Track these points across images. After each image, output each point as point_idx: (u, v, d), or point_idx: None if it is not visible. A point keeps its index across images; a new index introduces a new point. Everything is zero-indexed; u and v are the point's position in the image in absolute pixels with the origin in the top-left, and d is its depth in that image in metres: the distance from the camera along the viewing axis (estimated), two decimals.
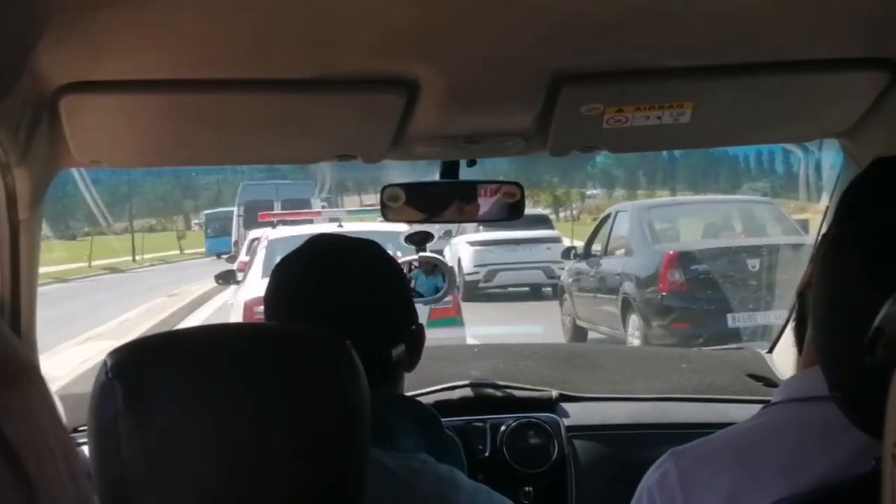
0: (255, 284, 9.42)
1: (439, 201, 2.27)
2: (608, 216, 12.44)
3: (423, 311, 2.13)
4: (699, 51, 1.70)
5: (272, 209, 17.74)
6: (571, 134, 2.03)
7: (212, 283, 14.51)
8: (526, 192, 2.27)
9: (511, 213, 2.29)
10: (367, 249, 1.58)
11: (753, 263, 10.23)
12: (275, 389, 1.07)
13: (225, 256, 23.40)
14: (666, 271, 10.57)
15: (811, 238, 11.08)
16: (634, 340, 10.75)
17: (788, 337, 2.55)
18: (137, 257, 41.07)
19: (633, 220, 11.55)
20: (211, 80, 1.71)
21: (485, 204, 2.24)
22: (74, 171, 2.58)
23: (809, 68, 1.78)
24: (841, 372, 1.18)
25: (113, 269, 34.60)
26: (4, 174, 1.75)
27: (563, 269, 13.98)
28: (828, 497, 1.16)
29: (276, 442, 1.05)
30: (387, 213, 2.27)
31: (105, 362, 1.06)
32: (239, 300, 10.06)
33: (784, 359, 2.66)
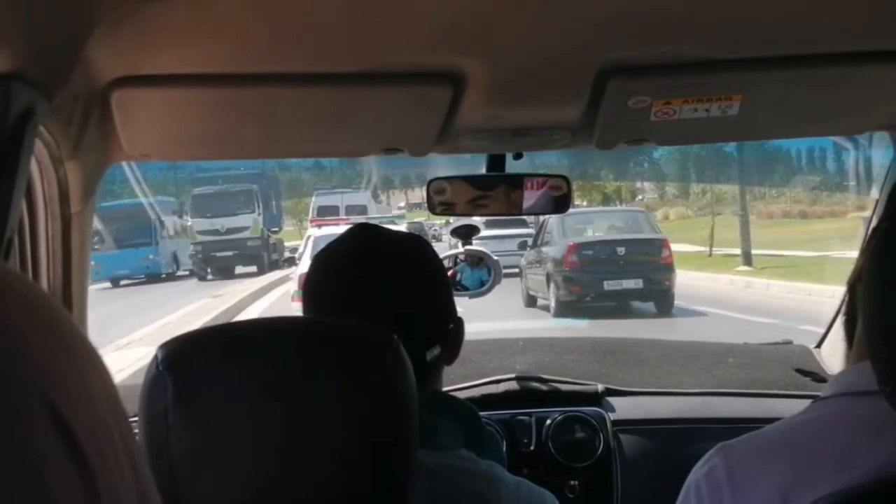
0: (305, 264, 14.26)
1: (485, 194, 2.26)
2: (546, 219, 17.24)
3: None
4: (748, 43, 1.69)
5: (338, 214, 26.45)
6: (618, 127, 2.03)
7: (257, 285, 17.22)
8: (574, 188, 2.27)
9: (558, 207, 2.29)
10: (406, 244, 1.55)
11: (621, 250, 16.01)
12: (324, 384, 1.07)
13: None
14: (568, 255, 16.09)
15: (662, 235, 17.11)
16: (552, 300, 16.16)
17: (837, 331, 2.53)
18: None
19: (556, 222, 16.67)
20: (259, 73, 1.72)
21: (531, 197, 2.24)
22: (125, 166, 2.61)
23: (859, 60, 1.76)
24: (892, 366, 1.17)
25: None
26: (57, 168, 1.78)
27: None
28: (878, 492, 1.15)
29: (324, 436, 1.05)
30: (433, 206, 2.27)
31: (156, 355, 1.07)
32: (295, 275, 15.23)
33: (832, 353, 2.64)
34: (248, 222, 31.81)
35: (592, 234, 17.90)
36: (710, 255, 26.33)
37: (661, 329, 12.71)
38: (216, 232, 31.07)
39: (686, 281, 17.59)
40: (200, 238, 31.17)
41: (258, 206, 32.38)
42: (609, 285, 15.67)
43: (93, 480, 0.44)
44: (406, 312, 1.43)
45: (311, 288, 1.48)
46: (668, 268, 15.62)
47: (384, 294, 1.44)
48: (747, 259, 22.88)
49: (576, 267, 15.93)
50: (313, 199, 30.73)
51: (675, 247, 16.77)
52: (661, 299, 15.53)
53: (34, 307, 0.48)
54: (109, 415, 0.48)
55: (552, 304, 16.08)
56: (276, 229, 36.15)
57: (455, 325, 1.52)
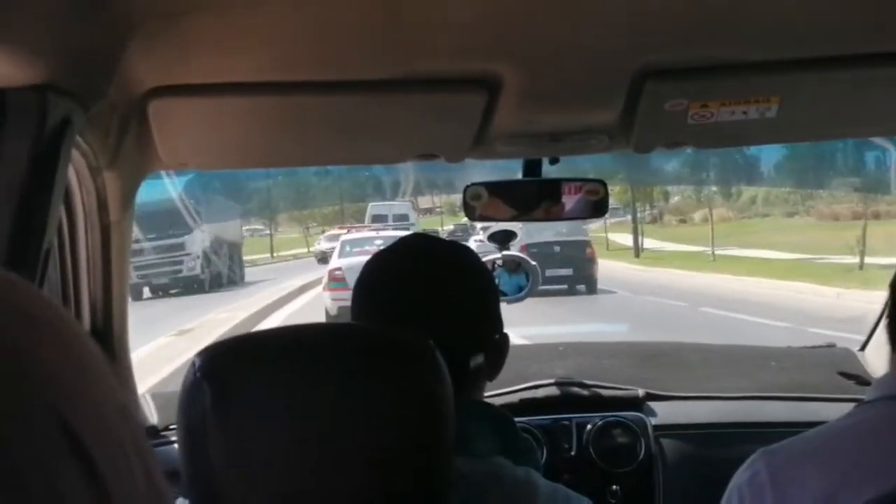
0: (334, 262, 18.19)
1: (522, 200, 2.26)
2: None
3: None
4: (785, 44, 1.67)
5: (387, 220, 29.99)
6: (656, 130, 2.01)
7: (267, 300, 18.81)
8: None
9: (595, 211, 2.27)
10: (457, 254, 1.55)
11: (556, 248, 20.60)
12: (360, 391, 1.07)
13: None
14: (521, 252, 17.70)
15: (587, 237, 21.96)
16: None
17: (881, 334, 2.50)
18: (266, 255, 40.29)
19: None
20: (294, 82, 1.73)
21: (568, 202, 2.23)
22: (163, 174, 2.63)
23: None
24: None
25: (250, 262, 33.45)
26: (95, 177, 1.79)
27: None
28: None
29: (361, 443, 1.05)
30: (470, 211, 2.26)
31: (194, 362, 1.07)
32: (325, 273, 18.14)
33: (876, 356, 2.60)
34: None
35: (542, 237, 21.46)
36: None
37: (588, 302, 19.39)
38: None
39: None
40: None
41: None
42: (549, 272, 18.32)
43: (105, 489, 0.44)
44: (452, 319, 1.43)
45: (362, 291, 1.49)
46: (592, 260, 21.56)
47: (432, 301, 1.44)
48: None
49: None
50: (369, 207, 33.88)
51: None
52: (588, 283, 21.19)
53: (40, 318, 0.47)
54: (119, 422, 0.48)
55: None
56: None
57: (500, 337, 1.51)
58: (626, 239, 38.25)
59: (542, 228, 20.55)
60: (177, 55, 1.58)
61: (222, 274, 27.47)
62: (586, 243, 22.13)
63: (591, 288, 21.30)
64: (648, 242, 34.80)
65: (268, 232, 50.00)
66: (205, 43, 1.54)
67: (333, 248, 35.06)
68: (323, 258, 34.50)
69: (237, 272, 29.26)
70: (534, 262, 2.78)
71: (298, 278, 25.32)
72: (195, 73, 1.68)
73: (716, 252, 28.87)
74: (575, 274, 21.02)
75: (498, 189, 2.25)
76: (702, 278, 22.80)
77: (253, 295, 21.52)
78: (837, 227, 31.33)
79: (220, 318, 16.73)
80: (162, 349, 12.26)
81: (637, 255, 32.26)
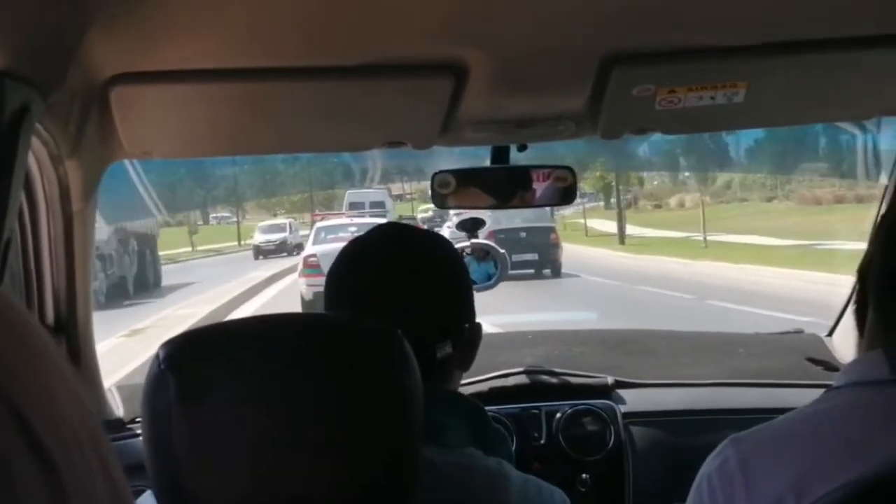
0: (308, 249, 18.71)
1: (490, 187, 2.25)
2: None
3: None
4: (753, 28, 1.67)
5: (364, 207, 30.31)
6: (623, 116, 2.01)
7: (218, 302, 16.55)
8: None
9: (564, 198, 2.27)
10: (430, 242, 1.54)
11: (522, 234, 21.04)
12: (326, 380, 1.06)
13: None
14: (489, 238, 18.82)
15: (552, 224, 23.47)
16: None
17: (848, 319, 2.51)
18: (186, 249, 38.38)
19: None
20: (260, 68, 1.71)
21: (537, 189, 2.23)
22: (127, 163, 2.60)
23: (865, 44, 1.73)
24: None
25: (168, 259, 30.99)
26: (56, 166, 1.77)
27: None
28: (892, 481, 1.14)
29: (328, 432, 1.04)
30: (438, 199, 2.25)
31: (158, 354, 1.06)
32: (299, 259, 18.68)
33: (844, 342, 2.62)
34: None
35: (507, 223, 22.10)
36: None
37: (553, 285, 20.64)
38: None
39: None
40: None
41: None
42: (515, 257, 18.62)
43: (59, 479, 0.43)
44: (423, 307, 1.43)
45: (335, 279, 1.48)
46: (556, 245, 22.49)
47: (403, 289, 1.44)
48: None
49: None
50: (346, 195, 34.23)
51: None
52: (552, 267, 22.18)
53: None
54: (74, 414, 0.47)
55: None
56: None
57: (472, 326, 1.50)
58: (603, 225, 38.09)
59: (509, 215, 21.15)
60: (139, 41, 1.56)
61: (127, 280, 22.40)
62: (551, 229, 23.10)
63: (556, 272, 22.43)
64: (627, 229, 34.36)
65: (234, 220, 49.67)
66: (168, 28, 1.52)
67: (272, 241, 34.72)
68: (259, 252, 34.01)
69: (151, 276, 24.39)
70: (502, 250, 2.77)
71: (237, 281, 21.46)
72: (158, 59, 1.66)
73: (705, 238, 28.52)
74: (540, 259, 21.97)
75: (466, 176, 2.24)
76: (699, 266, 22.29)
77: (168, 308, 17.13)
78: (821, 210, 31.23)
79: (179, 314, 15.09)
80: (112, 352, 10.58)
81: (622, 241, 32.03)
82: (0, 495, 0.41)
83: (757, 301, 14.40)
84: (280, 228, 37.53)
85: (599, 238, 34.84)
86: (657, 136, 2.22)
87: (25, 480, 0.42)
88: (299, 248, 30.52)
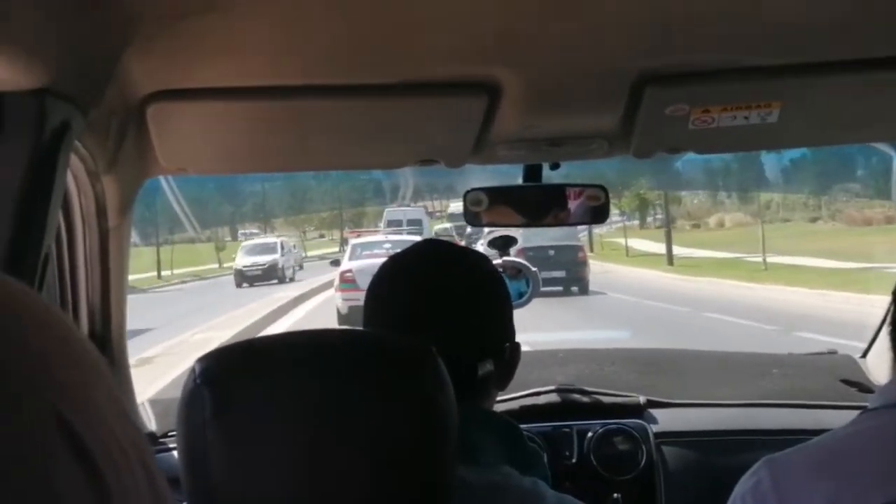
0: (345, 265, 18.93)
1: (522, 205, 2.25)
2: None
3: None
4: (787, 49, 1.66)
5: (402, 225, 31.00)
6: (656, 135, 2.01)
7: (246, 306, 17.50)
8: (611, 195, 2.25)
9: (596, 217, 2.27)
10: (470, 260, 1.54)
11: (551, 252, 21.63)
12: (361, 397, 1.06)
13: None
14: (518, 256, 20.11)
15: (580, 243, 24.61)
16: None
17: (883, 340, 2.49)
18: (165, 273, 34.38)
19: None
20: (296, 86, 1.72)
21: (569, 207, 2.23)
22: (161, 179, 2.62)
23: None
24: None
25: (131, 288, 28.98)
26: (94, 183, 1.79)
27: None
28: None
29: (362, 451, 1.04)
30: (471, 217, 2.25)
31: (194, 369, 1.07)
32: (336, 274, 19.12)
33: (878, 363, 2.59)
34: None
35: (538, 241, 22.76)
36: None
37: (581, 301, 21.17)
38: None
39: None
40: None
41: None
42: (544, 275, 19.85)
43: (106, 489, 0.44)
44: (462, 325, 1.42)
45: (373, 296, 1.48)
46: (584, 263, 23.28)
47: (442, 307, 1.43)
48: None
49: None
50: (385, 212, 35.32)
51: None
52: (580, 284, 22.80)
53: (41, 320, 0.47)
54: (118, 424, 0.47)
55: None
56: None
57: (511, 346, 1.50)
58: (641, 244, 37.44)
59: (538, 234, 21.44)
60: (176, 60, 1.58)
61: None
62: (578, 248, 23.99)
63: (584, 289, 22.97)
64: (663, 248, 32.93)
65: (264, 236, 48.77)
66: (204, 47, 1.54)
67: (258, 265, 29.26)
68: (243, 279, 28.62)
69: None
70: (534, 268, 2.77)
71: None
72: (195, 77, 1.67)
73: (755, 259, 27.19)
74: (568, 276, 22.52)
75: (498, 194, 2.24)
76: (765, 290, 20.75)
77: None
78: (872, 231, 30.08)
79: (194, 340, 14.23)
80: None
81: (670, 262, 31.04)
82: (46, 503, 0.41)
83: (852, 333, 12.84)
84: (269, 249, 31.57)
85: (642, 258, 33.85)
86: (695, 156, 2.21)
87: (71, 490, 0.42)
88: (293, 270, 30.16)
